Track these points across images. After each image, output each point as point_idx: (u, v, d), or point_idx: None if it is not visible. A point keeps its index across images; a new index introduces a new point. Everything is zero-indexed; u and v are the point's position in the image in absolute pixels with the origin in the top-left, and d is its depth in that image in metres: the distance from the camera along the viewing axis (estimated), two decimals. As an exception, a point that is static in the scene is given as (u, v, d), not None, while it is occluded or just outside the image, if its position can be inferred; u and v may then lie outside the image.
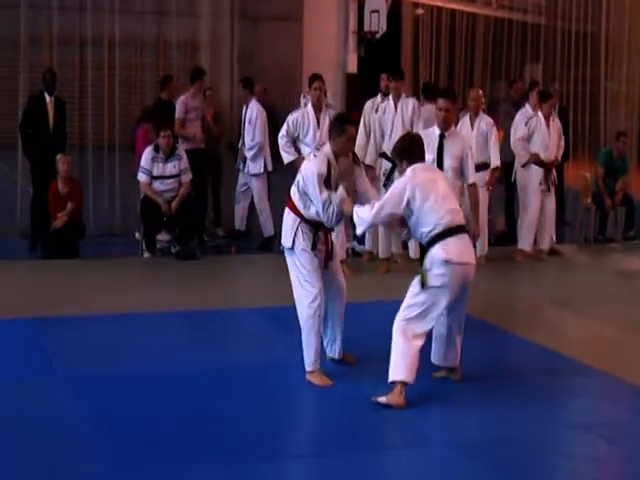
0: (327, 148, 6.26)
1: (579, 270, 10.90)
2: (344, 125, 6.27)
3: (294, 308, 6.28)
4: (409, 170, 6.00)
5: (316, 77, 9.81)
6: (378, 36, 12.53)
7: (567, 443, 5.41)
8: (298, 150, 9.68)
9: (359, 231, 6.33)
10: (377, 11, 12.41)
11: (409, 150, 6.13)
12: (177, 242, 10.54)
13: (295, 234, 6.22)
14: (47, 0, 11.75)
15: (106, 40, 11.98)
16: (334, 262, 6.48)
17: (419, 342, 5.84)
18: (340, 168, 6.23)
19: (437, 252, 5.83)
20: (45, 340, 7.08)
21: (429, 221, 5.87)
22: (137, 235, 10.97)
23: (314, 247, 6.23)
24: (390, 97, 10.08)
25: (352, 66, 12.43)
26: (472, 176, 7.66)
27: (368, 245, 10.25)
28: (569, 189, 13.14)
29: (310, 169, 6.16)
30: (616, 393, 6.40)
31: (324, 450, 5.28)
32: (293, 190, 6.30)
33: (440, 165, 7.54)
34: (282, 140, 9.70)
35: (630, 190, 12.93)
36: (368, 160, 9.66)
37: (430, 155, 7.57)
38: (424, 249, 5.97)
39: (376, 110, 9.97)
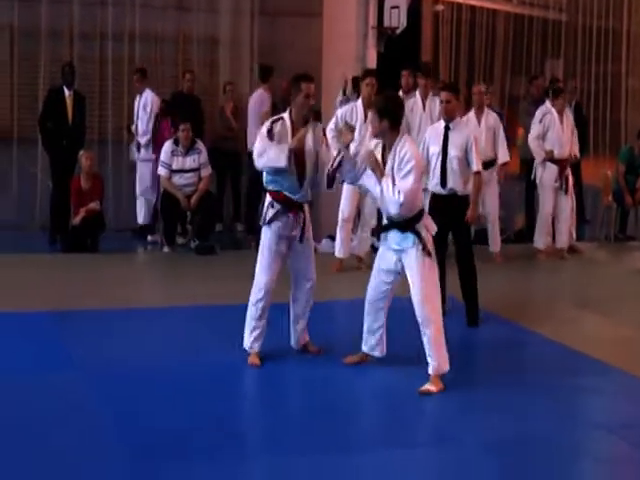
0: None
1: (599, 268, 10.84)
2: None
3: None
4: (409, 141, 6.06)
5: (369, 73, 9.81)
6: (398, 32, 12.47)
7: (589, 443, 5.37)
8: None
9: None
10: (397, 7, 12.35)
11: (392, 110, 6.06)
12: (196, 237, 10.55)
13: None
14: (68, -6, 11.80)
15: (127, 35, 12.02)
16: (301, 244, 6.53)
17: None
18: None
19: (430, 224, 6.10)
20: (65, 333, 7.09)
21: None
22: (149, 238, 10.99)
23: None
24: (417, 94, 10.04)
25: (371, 62, 12.37)
26: (476, 165, 7.74)
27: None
28: (589, 187, 13.06)
29: None
30: (637, 394, 6.35)
31: (350, 446, 5.18)
32: None
33: (445, 155, 7.67)
34: (330, 133, 9.67)
35: (651, 188, 12.86)
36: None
37: (436, 147, 7.64)
38: (399, 222, 6.03)
39: None
